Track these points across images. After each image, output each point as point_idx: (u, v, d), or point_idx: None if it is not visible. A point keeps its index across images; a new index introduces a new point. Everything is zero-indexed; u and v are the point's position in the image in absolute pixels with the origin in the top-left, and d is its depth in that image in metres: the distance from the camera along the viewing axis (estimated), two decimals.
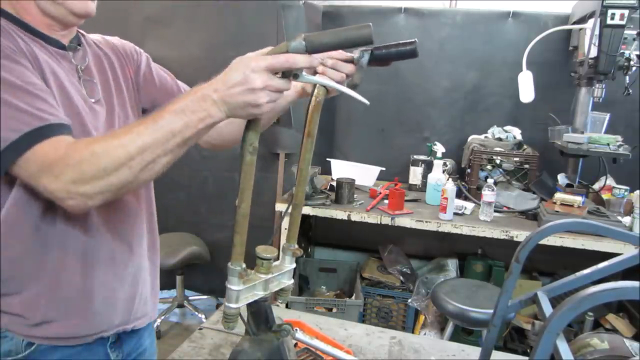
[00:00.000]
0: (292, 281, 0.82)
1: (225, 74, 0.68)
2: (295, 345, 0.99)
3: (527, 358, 1.21)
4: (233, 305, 0.72)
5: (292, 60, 0.66)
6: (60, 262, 0.83)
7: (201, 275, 2.88)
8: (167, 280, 2.90)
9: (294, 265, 0.83)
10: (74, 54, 0.87)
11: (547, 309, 0.72)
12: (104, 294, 0.89)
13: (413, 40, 0.74)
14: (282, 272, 0.80)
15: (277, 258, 0.81)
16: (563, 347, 0.58)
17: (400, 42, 0.75)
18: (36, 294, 0.82)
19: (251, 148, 0.69)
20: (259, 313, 0.78)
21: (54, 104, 0.75)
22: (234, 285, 0.72)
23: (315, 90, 0.80)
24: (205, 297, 2.97)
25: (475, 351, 1.23)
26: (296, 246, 0.84)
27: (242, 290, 0.72)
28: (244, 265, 0.72)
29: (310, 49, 0.66)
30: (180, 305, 2.84)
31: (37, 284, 0.82)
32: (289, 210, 0.86)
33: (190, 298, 2.88)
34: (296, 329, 0.91)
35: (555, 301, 0.67)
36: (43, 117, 0.70)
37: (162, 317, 2.73)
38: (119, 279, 0.92)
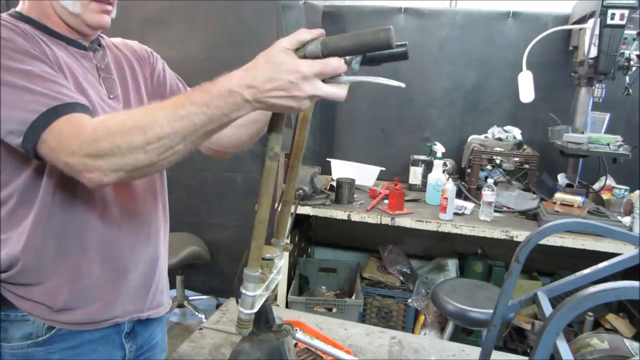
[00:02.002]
0: (280, 276, 0.83)
1: (262, 70, 0.63)
2: (295, 345, 0.99)
3: (527, 358, 1.21)
4: (249, 311, 0.72)
5: (341, 67, 0.64)
6: (81, 253, 0.87)
7: (201, 275, 2.87)
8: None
9: (284, 260, 0.83)
10: (94, 54, 0.93)
11: (547, 309, 0.72)
12: (121, 282, 0.93)
13: (404, 42, 0.73)
14: (277, 270, 0.81)
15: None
16: (563, 347, 0.58)
17: None
18: (58, 284, 0.86)
19: (272, 153, 0.68)
20: (259, 313, 0.78)
21: (71, 89, 0.79)
22: (250, 291, 0.71)
23: None
24: (205, 297, 2.97)
25: (475, 351, 1.23)
26: (286, 241, 0.84)
27: (257, 296, 0.72)
28: (260, 271, 0.72)
29: (326, 54, 0.64)
30: (180, 305, 2.84)
31: (59, 274, 0.85)
32: (278, 209, 0.86)
33: (190, 298, 2.89)
34: (296, 329, 0.91)
35: (555, 301, 0.67)
36: (59, 98, 0.73)
37: None
38: (135, 267, 0.95)
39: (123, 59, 1.00)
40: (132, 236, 0.94)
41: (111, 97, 0.92)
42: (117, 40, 1.04)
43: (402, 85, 0.68)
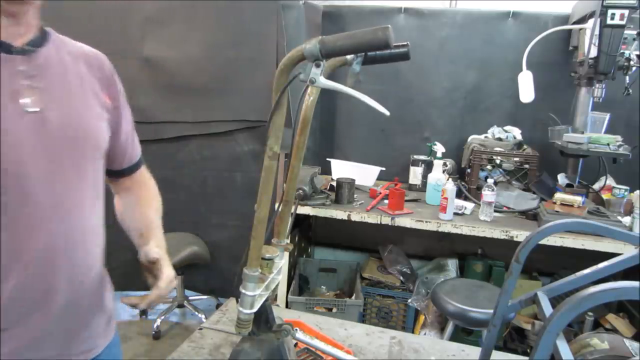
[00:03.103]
0: (281, 276, 0.83)
1: None
2: (295, 345, 0.99)
3: (527, 358, 1.21)
4: (248, 311, 0.72)
5: None
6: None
7: (201, 275, 2.87)
8: None
9: (285, 260, 0.83)
10: (25, 56, 0.77)
11: (547, 309, 0.72)
12: (38, 322, 0.80)
13: (406, 43, 0.73)
14: (277, 270, 0.81)
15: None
16: (563, 347, 0.58)
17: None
18: None
19: (271, 153, 0.69)
20: (259, 313, 0.78)
21: None
22: (249, 290, 0.71)
23: (309, 88, 0.79)
24: (205, 297, 2.97)
25: (475, 351, 1.23)
26: (287, 241, 0.84)
27: (257, 295, 0.72)
28: (260, 270, 0.72)
29: (325, 53, 0.65)
30: (180, 305, 2.84)
31: None
32: (279, 209, 0.86)
33: (190, 298, 2.88)
34: (296, 329, 0.91)
35: (555, 301, 0.67)
36: None
37: (162, 317, 2.73)
38: (51, 315, 0.81)
39: (75, 69, 0.85)
40: (47, 285, 0.79)
41: (30, 110, 0.75)
42: (80, 47, 0.89)
43: (387, 112, 0.69)
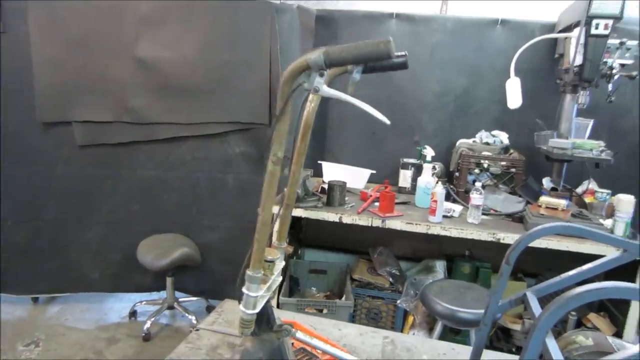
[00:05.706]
0: (281, 277, 0.85)
1: None
2: (292, 345, 1.01)
3: (517, 357, 1.25)
4: (252, 312, 0.74)
5: None
6: None
7: (192, 276, 2.87)
8: (157, 281, 2.88)
9: (284, 262, 0.86)
10: None
11: (536, 308, 0.76)
12: None
13: (404, 52, 0.76)
14: (278, 271, 0.83)
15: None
16: (552, 345, 0.61)
17: None
18: None
19: (275, 158, 0.71)
20: (261, 313, 0.80)
21: None
22: (252, 292, 0.73)
23: (310, 96, 0.82)
24: (195, 298, 2.97)
25: (464, 350, 1.27)
26: (286, 244, 0.86)
27: (259, 296, 0.74)
28: (262, 272, 0.75)
29: (329, 63, 0.68)
30: (171, 307, 2.83)
31: None
32: (280, 212, 0.88)
33: (180, 300, 2.88)
34: (295, 330, 0.93)
35: (542, 301, 0.71)
36: None
37: (152, 319, 2.71)
38: None
39: None
40: None
41: None
42: None
43: (387, 122, 0.73)
